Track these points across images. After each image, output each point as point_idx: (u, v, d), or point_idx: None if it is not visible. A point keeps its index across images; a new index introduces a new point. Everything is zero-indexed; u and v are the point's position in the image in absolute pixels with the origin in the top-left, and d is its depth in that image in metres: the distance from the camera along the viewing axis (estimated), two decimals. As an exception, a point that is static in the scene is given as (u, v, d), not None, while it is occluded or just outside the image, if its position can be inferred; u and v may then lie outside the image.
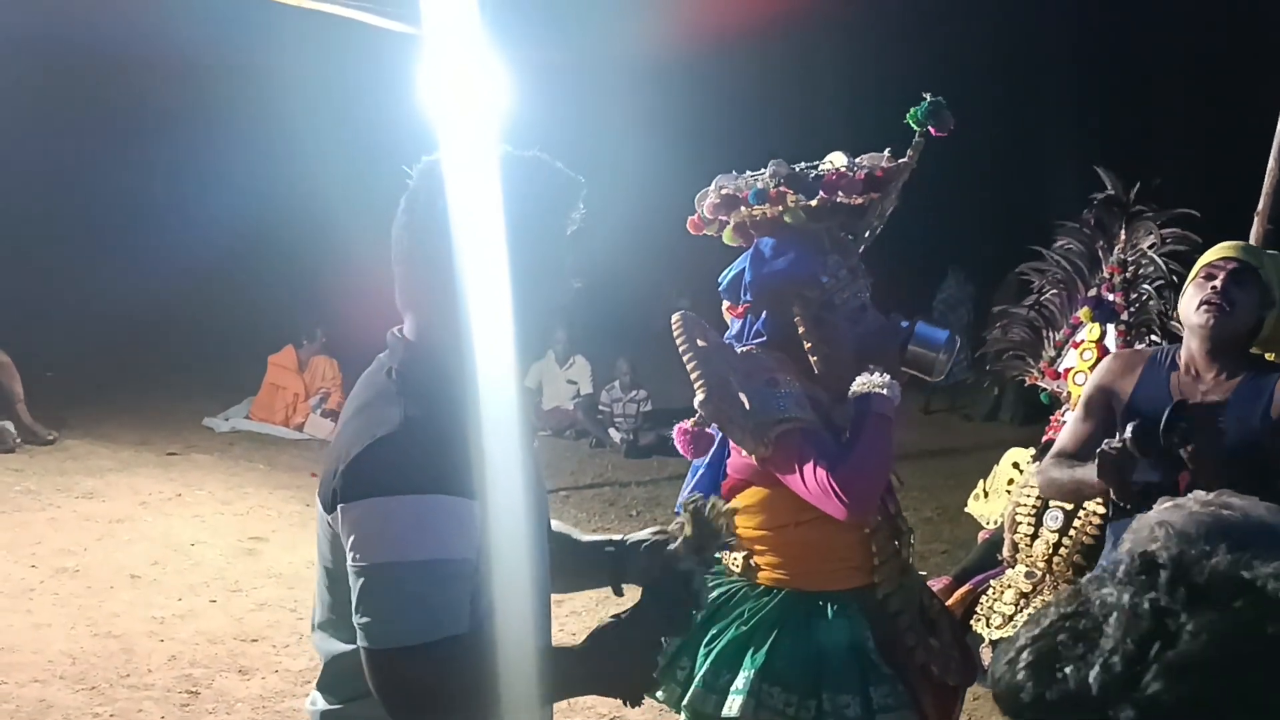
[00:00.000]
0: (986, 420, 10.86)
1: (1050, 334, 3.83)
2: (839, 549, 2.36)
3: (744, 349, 2.48)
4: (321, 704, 1.66)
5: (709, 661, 2.28)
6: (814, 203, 2.37)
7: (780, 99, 14.21)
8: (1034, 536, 3.50)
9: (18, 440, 7.38)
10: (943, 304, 11.57)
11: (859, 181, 2.39)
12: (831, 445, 2.22)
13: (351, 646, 1.52)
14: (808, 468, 2.19)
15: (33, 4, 8.25)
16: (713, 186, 2.50)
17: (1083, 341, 3.69)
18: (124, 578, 5.23)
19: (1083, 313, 3.70)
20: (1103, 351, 3.57)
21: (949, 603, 3.61)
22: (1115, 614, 0.68)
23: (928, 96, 2.45)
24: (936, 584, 3.73)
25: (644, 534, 1.83)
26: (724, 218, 2.51)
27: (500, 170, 1.58)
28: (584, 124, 10.94)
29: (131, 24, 8.94)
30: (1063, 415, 3.58)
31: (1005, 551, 3.64)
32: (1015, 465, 4.24)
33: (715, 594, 2.35)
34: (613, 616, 1.61)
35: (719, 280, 2.60)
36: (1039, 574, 3.47)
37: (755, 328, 2.50)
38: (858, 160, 2.44)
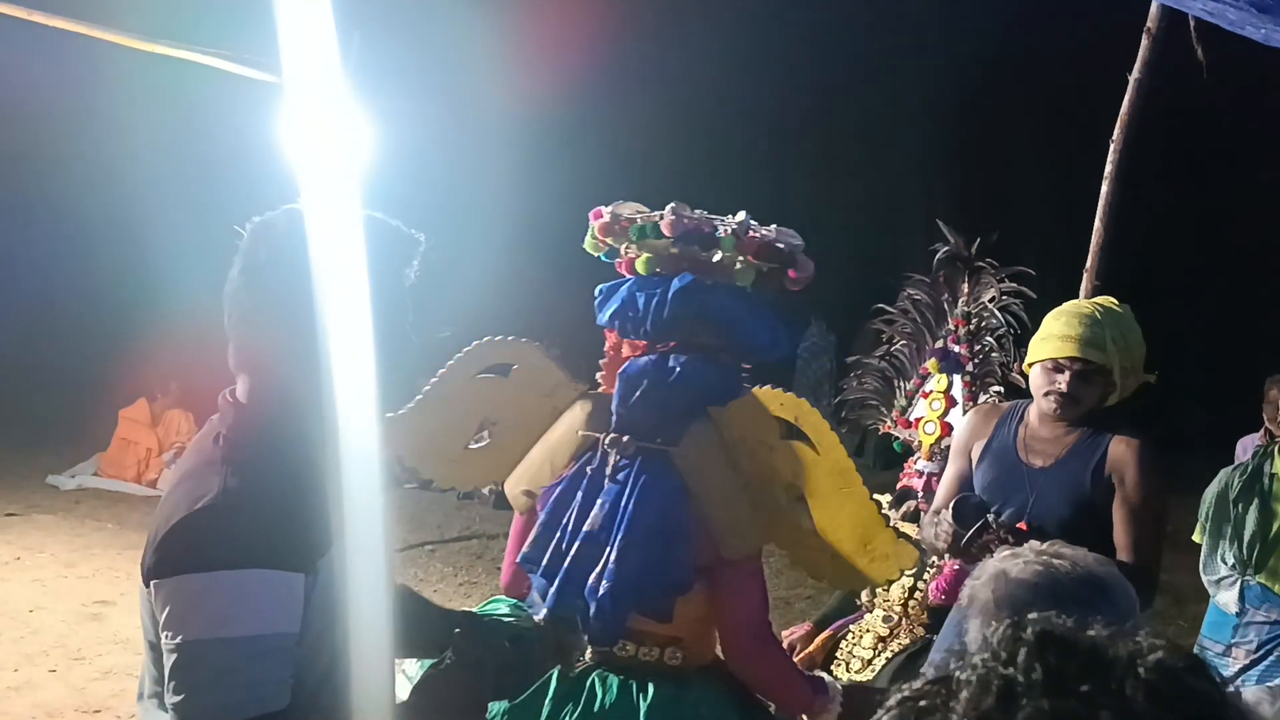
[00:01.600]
0: (849, 465, 11.13)
1: (901, 384, 3.97)
2: None
3: None
4: None
5: None
6: (765, 269, 2.37)
7: (650, 146, 14.45)
8: (890, 581, 3.59)
9: None
10: (806, 352, 11.86)
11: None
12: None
13: None
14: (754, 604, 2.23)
15: None
16: (669, 211, 2.37)
17: (931, 391, 3.82)
18: (-46, 649, 4.93)
19: (930, 364, 3.84)
20: (950, 402, 3.72)
21: (810, 648, 3.68)
22: (971, 685, 0.70)
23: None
24: (799, 629, 3.79)
25: (490, 611, 1.88)
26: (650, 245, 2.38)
27: (365, 232, 1.58)
28: (453, 173, 10.93)
29: None
30: (915, 463, 3.70)
31: (863, 596, 3.72)
32: (872, 511, 4.35)
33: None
34: (432, 665, 1.63)
35: (611, 310, 2.41)
36: (895, 617, 3.55)
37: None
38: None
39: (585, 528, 2.13)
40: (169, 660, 1.41)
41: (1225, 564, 3.92)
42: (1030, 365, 2.85)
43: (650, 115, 13.47)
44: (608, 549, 2.10)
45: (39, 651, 4.98)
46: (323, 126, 5.00)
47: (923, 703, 0.72)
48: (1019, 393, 3.27)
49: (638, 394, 2.20)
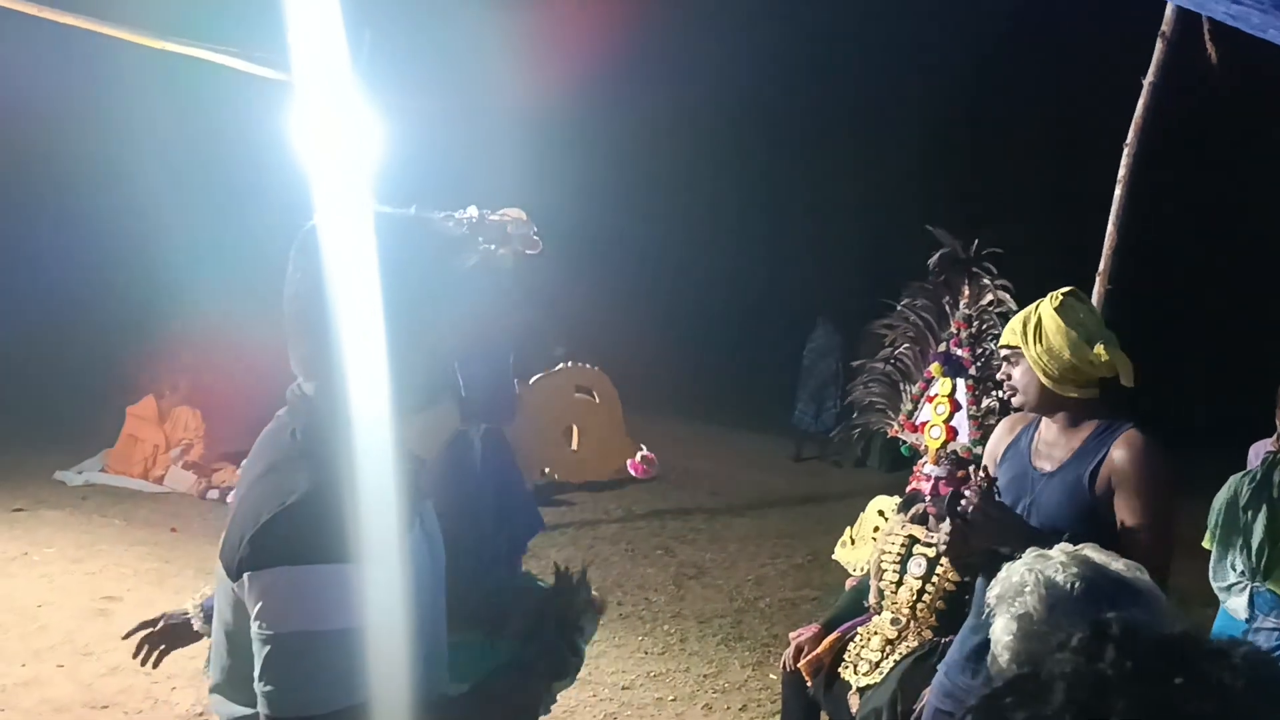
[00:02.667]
0: (856, 467, 11.13)
1: (906, 388, 3.97)
2: None
3: None
4: None
5: None
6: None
7: (658, 146, 14.45)
8: (899, 583, 3.59)
9: None
10: (812, 353, 11.86)
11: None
12: None
13: (249, 710, 1.54)
14: None
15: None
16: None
17: (936, 395, 3.82)
18: (-38, 644, 4.94)
19: (934, 367, 3.84)
20: (954, 405, 3.71)
21: (818, 650, 3.67)
22: (1063, 680, 0.71)
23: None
24: (806, 631, 3.78)
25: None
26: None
27: (375, 229, 1.58)
28: (460, 168, 10.92)
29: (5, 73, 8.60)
30: (923, 467, 3.69)
31: (871, 598, 3.71)
32: (880, 513, 4.36)
33: None
34: (499, 665, 1.67)
35: None
36: (904, 620, 3.55)
37: None
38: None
39: None
40: (262, 651, 1.45)
41: (1234, 571, 3.90)
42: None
43: (654, 113, 13.48)
44: None
45: (47, 647, 4.99)
46: (333, 124, 5.01)
47: (1008, 699, 0.73)
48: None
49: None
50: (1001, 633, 1.73)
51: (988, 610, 1.77)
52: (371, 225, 1.59)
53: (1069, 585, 1.69)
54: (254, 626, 1.46)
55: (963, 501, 2.57)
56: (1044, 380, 2.65)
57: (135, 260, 11.31)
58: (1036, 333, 2.63)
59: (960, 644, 2.86)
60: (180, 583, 6.12)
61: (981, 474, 2.66)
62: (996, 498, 2.60)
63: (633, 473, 6.51)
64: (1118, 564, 1.74)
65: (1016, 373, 2.69)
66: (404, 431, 1.61)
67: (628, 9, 12.26)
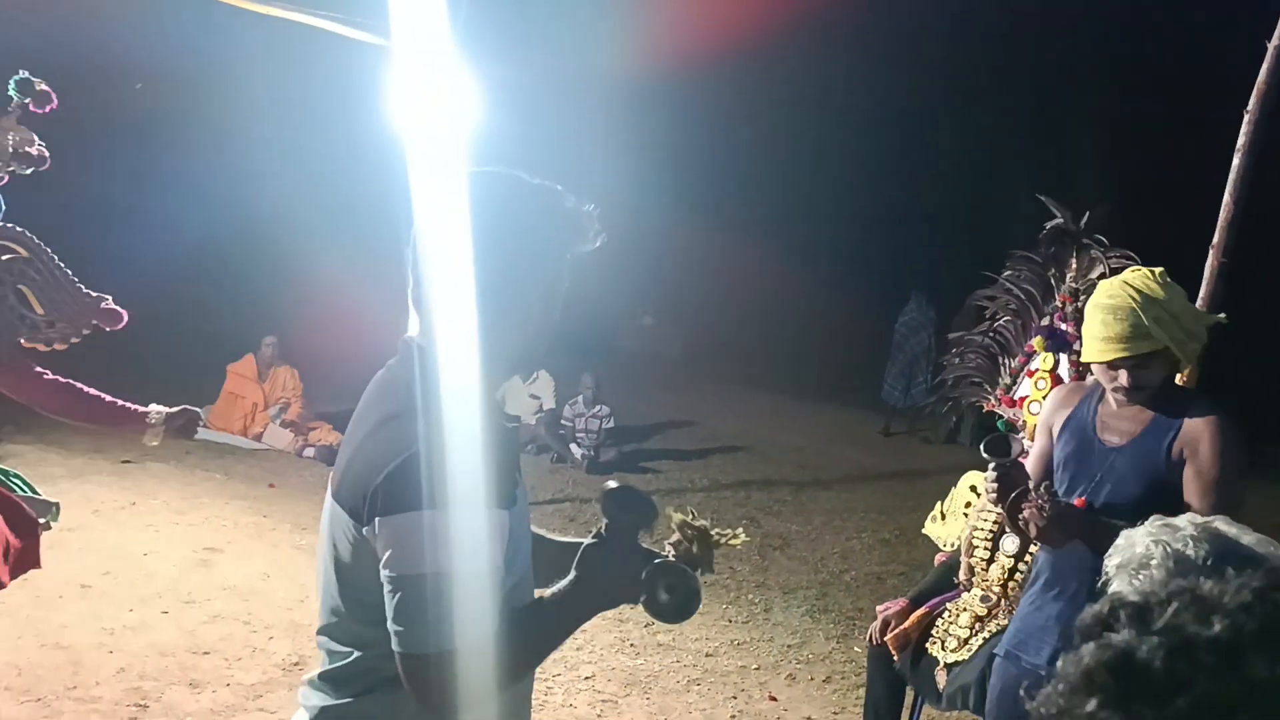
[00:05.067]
0: (945, 443, 10.95)
1: (1006, 361, 3.88)
2: None
3: None
4: (317, 700, 1.72)
5: None
6: None
7: (753, 118, 14.32)
8: (990, 560, 3.54)
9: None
10: (904, 327, 11.69)
11: None
12: None
13: (354, 650, 1.66)
14: None
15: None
16: None
17: (1037, 370, 3.73)
18: (74, 588, 5.14)
19: (1036, 341, 3.75)
20: (1056, 380, 3.62)
21: (905, 624, 3.64)
22: (1231, 594, 0.70)
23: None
24: (894, 605, 3.75)
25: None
26: None
27: (478, 187, 1.65)
28: (555, 139, 10.97)
29: (99, 31, 8.86)
30: (1020, 442, 3.61)
31: (961, 575, 3.66)
32: (973, 489, 4.28)
33: None
34: (592, 536, 1.71)
35: None
36: (994, 598, 3.50)
37: None
38: None
39: None
40: (395, 592, 1.53)
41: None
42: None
43: (754, 84, 13.34)
44: None
45: (152, 594, 5.18)
46: (430, 90, 5.03)
47: (1124, 611, 0.72)
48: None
49: None
50: (1118, 582, 1.69)
51: (1104, 578, 1.72)
52: (508, 189, 1.65)
53: (1199, 559, 1.63)
54: (385, 570, 1.53)
55: (1022, 516, 2.55)
56: (1184, 363, 2.60)
57: (237, 221, 11.61)
58: (1171, 320, 2.54)
59: (1024, 623, 2.81)
60: (278, 537, 6.30)
61: (1042, 490, 2.57)
62: (1055, 507, 2.53)
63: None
64: (1249, 537, 1.68)
65: (1140, 373, 2.56)
66: (504, 389, 1.68)
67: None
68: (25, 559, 3.20)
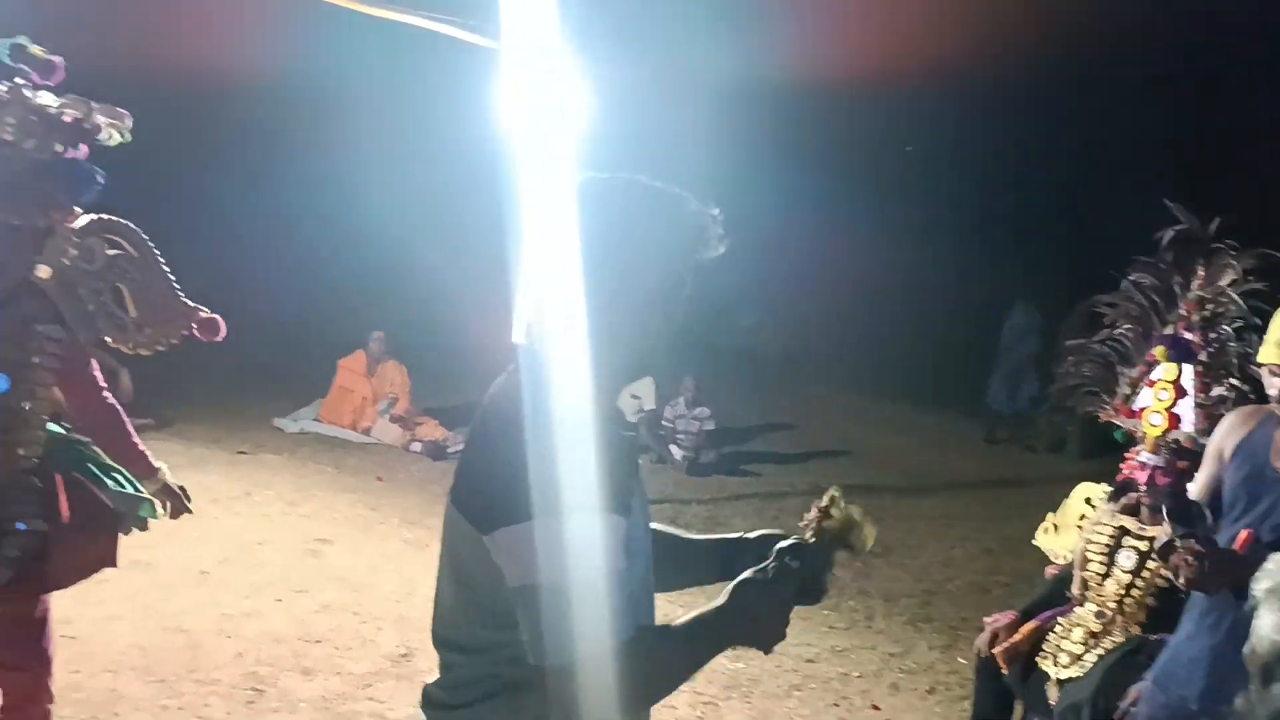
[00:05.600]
0: (1051, 452, 10.69)
1: (1124, 370, 3.77)
2: None
3: None
4: (437, 705, 1.72)
5: None
6: None
7: (860, 118, 14.16)
8: (1105, 575, 3.44)
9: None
10: (1010, 333, 11.46)
11: None
12: None
13: (472, 655, 1.64)
14: None
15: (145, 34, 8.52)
16: None
17: (1158, 380, 3.61)
18: (192, 574, 5.34)
19: (1158, 351, 3.62)
20: (1179, 392, 3.50)
21: (1014, 638, 3.56)
22: None
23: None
24: (1003, 618, 3.67)
25: (752, 535, 1.93)
26: None
27: (596, 192, 1.64)
28: (664, 137, 11.00)
29: (221, 37, 9.14)
30: (1138, 454, 3.51)
31: (1074, 589, 3.57)
32: (1087, 500, 4.16)
33: None
34: (755, 571, 1.68)
35: None
36: (1109, 614, 3.40)
37: None
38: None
39: None
40: (522, 603, 1.51)
41: None
42: (1260, 366, 2.64)
43: (864, 85, 13.17)
44: None
45: (266, 583, 5.35)
46: (540, 91, 5.06)
47: None
48: (1259, 387, 3.04)
49: None
50: (1272, 630, 1.63)
51: (1251, 601, 1.67)
52: (629, 194, 1.64)
53: None
54: (510, 580, 1.51)
55: (1173, 559, 2.44)
56: None
57: (349, 221, 11.90)
58: None
59: (1176, 652, 2.73)
60: (386, 530, 6.45)
61: (1191, 542, 2.46)
62: (1211, 558, 2.42)
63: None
64: None
65: None
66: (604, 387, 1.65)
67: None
68: (97, 556, 3.09)
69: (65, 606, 4.12)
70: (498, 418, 1.64)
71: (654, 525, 1.86)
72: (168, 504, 3.27)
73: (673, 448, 9.12)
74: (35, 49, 2.83)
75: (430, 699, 1.73)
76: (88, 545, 3.03)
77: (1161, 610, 3.30)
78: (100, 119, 2.91)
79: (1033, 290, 11.54)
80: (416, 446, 8.68)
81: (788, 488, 8.66)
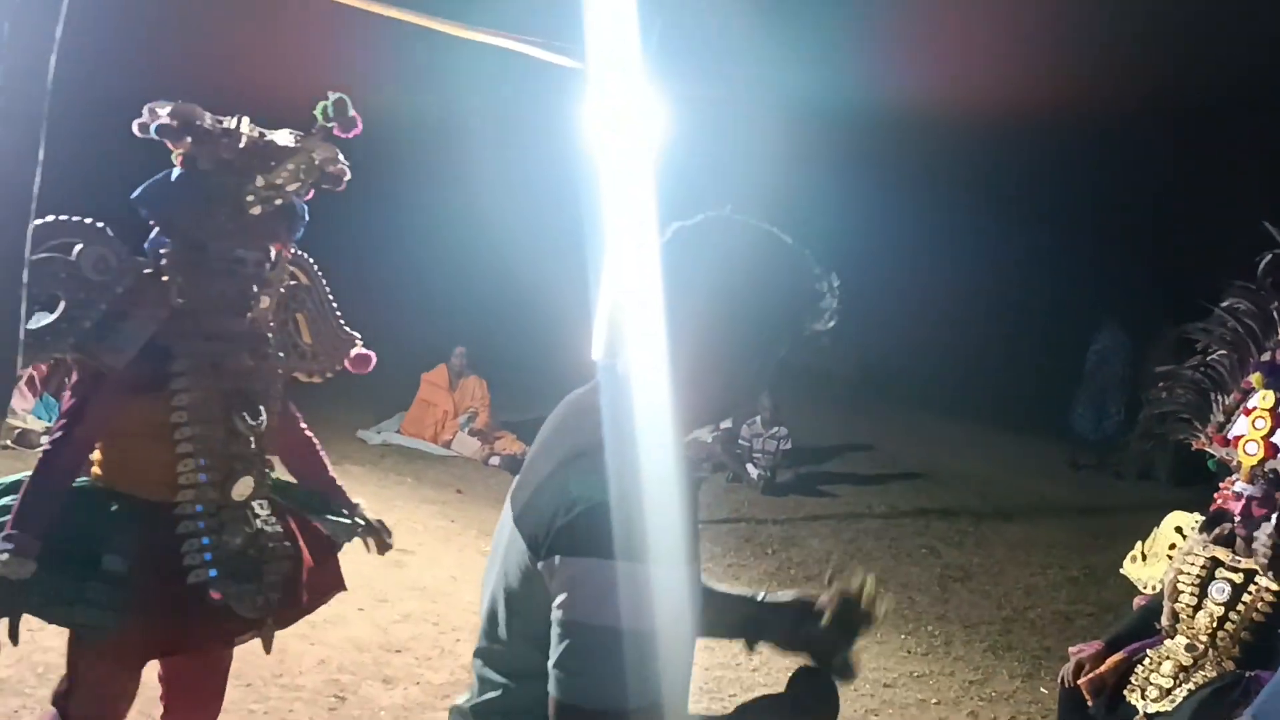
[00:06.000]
0: (1139, 479, 10.44)
1: (1219, 397, 3.68)
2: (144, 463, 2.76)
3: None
4: None
5: None
6: (213, 151, 2.74)
7: (940, 134, 14.02)
8: (1197, 607, 3.36)
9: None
10: (1097, 355, 11.22)
11: (239, 143, 2.75)
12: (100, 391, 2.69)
13: (510, 681, 1.61)
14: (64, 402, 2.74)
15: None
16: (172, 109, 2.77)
17: (1255, 408, 3.52)
18: (279, 580, 5.46)
19: (1255, 378, 3.54)
20: (1277, 420, 3.42)
21: (1100, 669, 3.49)
22: None
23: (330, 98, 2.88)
24: (1089, 648, 3.60)
25: (786, 597, 1.86)
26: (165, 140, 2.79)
27: (726, 234, 1.62)
28: (741, 152, 11.03)
29: (331, 70, 9.37)
30: (1233, 484, 3.43)
31: (1164, 620, 3.49)
32: (1178, 529, 4.07)
33: None
34: (764, 697, 1.69)
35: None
36: (1201, 647, 3.32)
37: (147, 243, 2.82)
38: (257, 129, 2.82)
39: None
40: (564, 638, 1.46)
41: None
42: None
43: (953, 109, 13.05)
44: None
45: (349, 591, 5.42)
46: (623, 112, 5.13)
47: None
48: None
49: None
50: None
51: None
52: (762, 246, 1.62)
53: None
54: (558, 612, 1.47)
55: None
56: None
57: (435, 237, 12.10)
58: None
59: (1277, 689, 2.65)
60: (464, 542, 6.53)
61: None
62: None
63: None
64: None
65: None
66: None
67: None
68: (327, 582, 3.14)
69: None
70: (570, 439, 1.59)
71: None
72: (369, 541, 3.37)
73: (749, 466, 9.10)
74: (351, 110, 2.95)
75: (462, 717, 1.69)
76: (322, 571, 3.08)
77: (1257, 645, 3.22)
78: (345, 167, 3.01)
79: (1121, 312, 11.30)
80: (495, 460, 8.78)
81: (865, 509, 8.57)
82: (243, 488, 2.87)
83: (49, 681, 4.05)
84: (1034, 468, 10.80)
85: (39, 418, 7.66)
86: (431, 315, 11.52)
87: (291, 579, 2.91)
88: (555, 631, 1.47)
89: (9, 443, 7.13)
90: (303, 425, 3.24)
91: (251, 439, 2.89)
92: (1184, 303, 3.87)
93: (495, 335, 10.34)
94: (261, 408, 2.92)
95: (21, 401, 7.63)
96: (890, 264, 14.36)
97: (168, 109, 2.78)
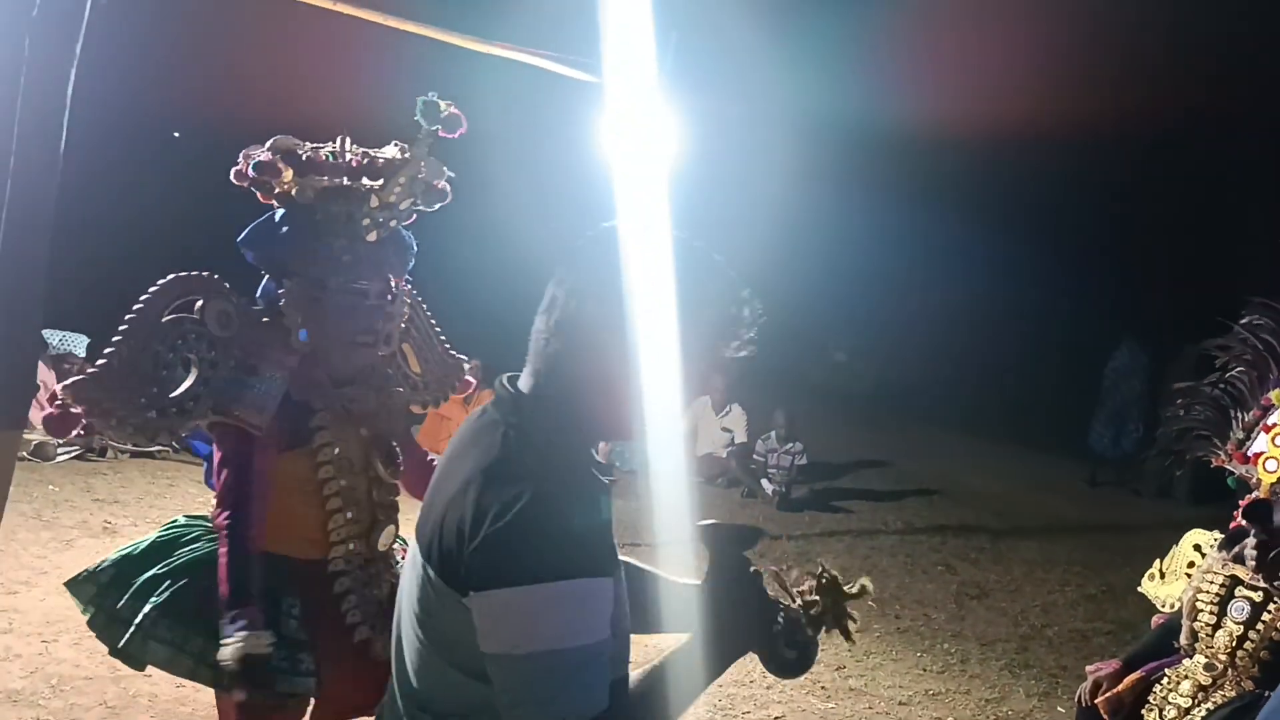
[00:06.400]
0: (1157, 497, 10.37)
1: (1238, 414, 3.65)
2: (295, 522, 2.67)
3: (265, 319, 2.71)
4: None
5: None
6: (316, 181, 2.64)
7: (952, 149, 14.02)
8: (1216, 626, 3.32)
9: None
10: (1114, 373, 11.17)
11: (346, 165, 2.67)
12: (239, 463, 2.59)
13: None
14: (218, 468, 2.62)
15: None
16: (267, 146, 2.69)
17: (1274, 425, 3.50)
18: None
19: (1275, 394, 3.52)
20: (1297, 437, 3.39)
21: (1118, 688, 3.46)
22: None
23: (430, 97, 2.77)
24: (1106, 666, 3.57)
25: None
26: (267, 178, 2.69)
27: (691, 265, 1.56)
28: (755, 170, 11.04)
29: (357, 90, 9.43)
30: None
31: (1183, 639, 3.46)
32: (1197, 548, 4.04)
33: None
34: (702, 579, 1.62)
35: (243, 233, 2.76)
36: (1220, 666, 3.29)
37: (260, 291, 2.74)
38: (360, 148, 2.73)
39: None
40: (504, 670, 1.42)
41: None
42: None
43: (967, 125, 13.05)
44: None
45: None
46: (638, 126, 5.14)
47: None
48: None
49: None
50: None
51: None
52: (690, 260, 1.56)
53: None
54: (486, 646, 1.42)
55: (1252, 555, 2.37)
56: None
57: (452, 255, 12.11)
58: None
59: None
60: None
61: None
62: None
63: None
64: None
65: None
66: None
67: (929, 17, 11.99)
68: None
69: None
70: (474, 461, 1.51)
71: (630, 562, 1.78)
72: None
73: (764, 482, 9.08)
74: (443, 104, 2.80)
75: None
76: None
77: (1277, 665, 3.18)
78: (447, 184, 2.94)
79: (1140, 329, 11.26)
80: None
81: (880, 525, 8.53)
82: (386, 538, 2.80)
83: (62, 693, 4.07)
84: (1051, 485, 10.75)
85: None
86: (445, 328, 11.54)
87: None
88: (490, 669, 1.43)
89: (26, 454, 7.17)
90: (428, 455, 3.06)
91: (394, 486, 2.82)
92: (1203, 320, 3.84)
93: (509, 349, 10.34)
94: (397, 449, 2.85)
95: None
96: (908, 280, 14.35)
97: (262, 148, 2.69)
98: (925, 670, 5.51)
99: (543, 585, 1.38)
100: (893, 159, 13.86)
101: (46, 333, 8.05)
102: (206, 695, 4.15)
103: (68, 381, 2.43)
